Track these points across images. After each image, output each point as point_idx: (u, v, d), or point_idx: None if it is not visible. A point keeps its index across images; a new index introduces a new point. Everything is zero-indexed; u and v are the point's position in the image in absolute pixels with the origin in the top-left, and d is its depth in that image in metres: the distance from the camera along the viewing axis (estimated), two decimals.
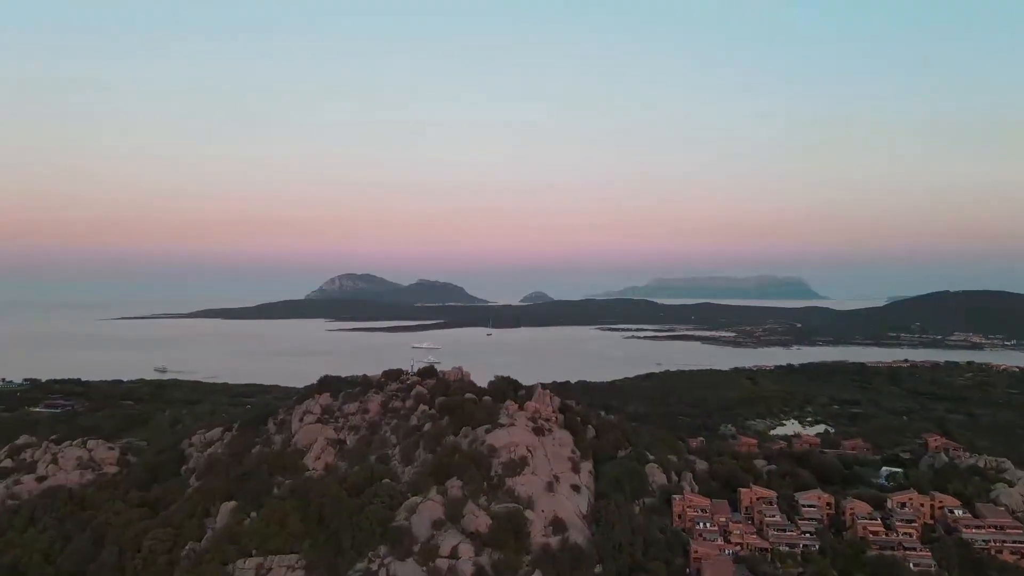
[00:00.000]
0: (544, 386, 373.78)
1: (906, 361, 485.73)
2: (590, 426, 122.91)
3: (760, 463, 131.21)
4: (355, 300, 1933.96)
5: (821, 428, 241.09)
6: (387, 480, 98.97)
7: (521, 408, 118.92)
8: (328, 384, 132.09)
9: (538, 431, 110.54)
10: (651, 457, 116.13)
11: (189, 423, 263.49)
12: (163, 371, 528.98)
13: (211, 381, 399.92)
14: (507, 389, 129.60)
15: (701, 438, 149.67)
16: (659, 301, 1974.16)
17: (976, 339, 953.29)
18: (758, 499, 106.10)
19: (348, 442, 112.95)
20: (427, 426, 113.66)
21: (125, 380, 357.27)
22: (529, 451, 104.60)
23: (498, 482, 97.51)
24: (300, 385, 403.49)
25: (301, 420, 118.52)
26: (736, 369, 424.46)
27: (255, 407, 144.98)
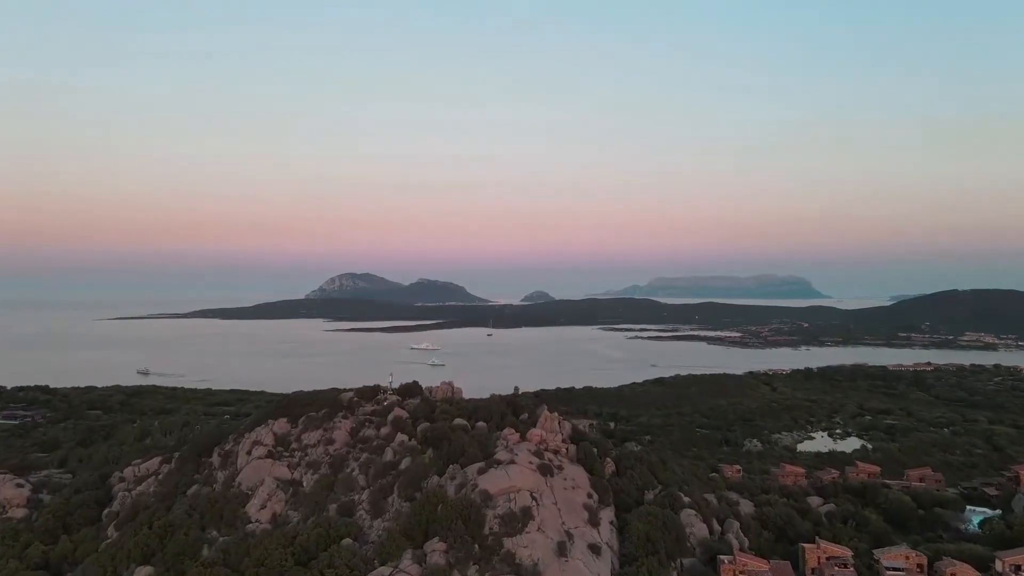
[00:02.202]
0: (549, 395, 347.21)
1: (929, 364, 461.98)
2: (608, 459, 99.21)
3: (814, 500, 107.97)
4: (355, 300, 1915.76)
5: (856, 443, 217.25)
6: (348, 540, 75.61)
7: (523, 438, 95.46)
8: (288, 406, 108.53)
9: (545, 470, 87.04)
10: (686, 500, 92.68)
11: (158, 436, 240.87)
12: (146, 373, 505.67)
13: (192, 387, 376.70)
14: (506, 412, 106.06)
15: (738, 467, 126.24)
16: (661, 300, 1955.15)
17: (989, 339, 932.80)
18: (828, 559, 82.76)
19: (305, 483, 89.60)
20: (405, 463, 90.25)
21: (100, 386, 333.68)
22: (534, 498, 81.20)
23: (494, 543, 74.17)
24: (288, 391, 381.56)
25: (249, 453, 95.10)
26: (751, 373, 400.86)
27: (199, 434, 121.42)
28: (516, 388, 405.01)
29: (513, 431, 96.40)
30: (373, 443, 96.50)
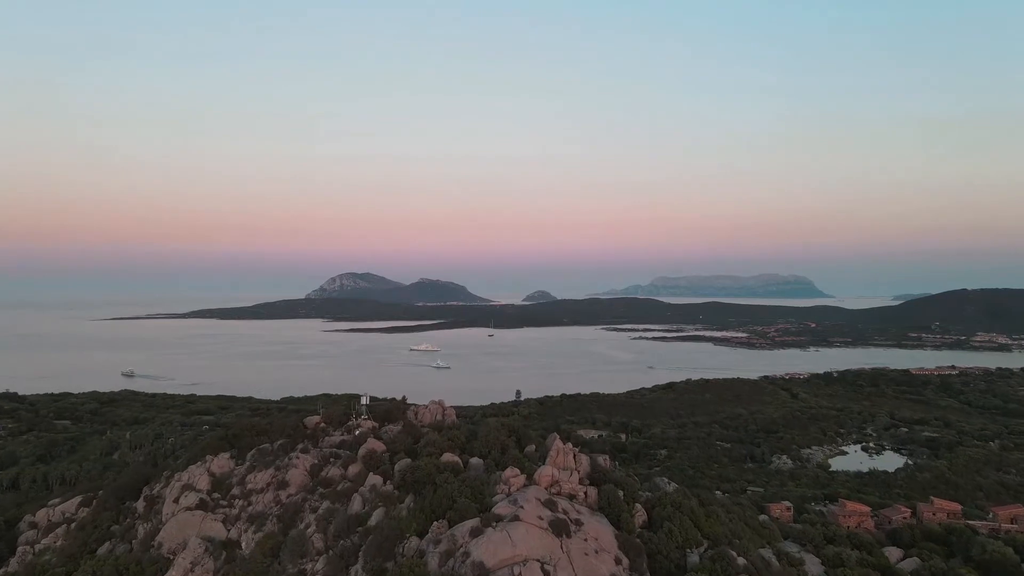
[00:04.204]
0: (553, 402, 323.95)
1: (953, 367, 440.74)
2: (638, 504, 77.86)
3: (892, 553, 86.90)
4: (355, 299, 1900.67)
5: (897, 460, 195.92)
6: None
7: (530, 479, 74.18)
8: (235, 436, 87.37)
9: (559, 527, 65.64)
10: (741, 562, 71.47)
11: (125, 451, 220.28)
12: (131, 375, 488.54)
13: (176, 391, 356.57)
14: (508, 443, 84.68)
15: (787, 503, 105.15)
16: (665, 300, 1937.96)
17: (1002, 340, 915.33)
18: None
19: (244, 544, 68.71)
20: (376, 516, 69.11)
21: (75, 392, 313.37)
22: (546, 572, 60.03)
23: None
24: (277, 397, 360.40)
25: (177, 501, 74.21)
26: (766, 377, 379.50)
27: (129, 469, 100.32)
28: (518, 392, 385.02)
29: (517, 471, 75.05)
30: (338, 487, 75.25)
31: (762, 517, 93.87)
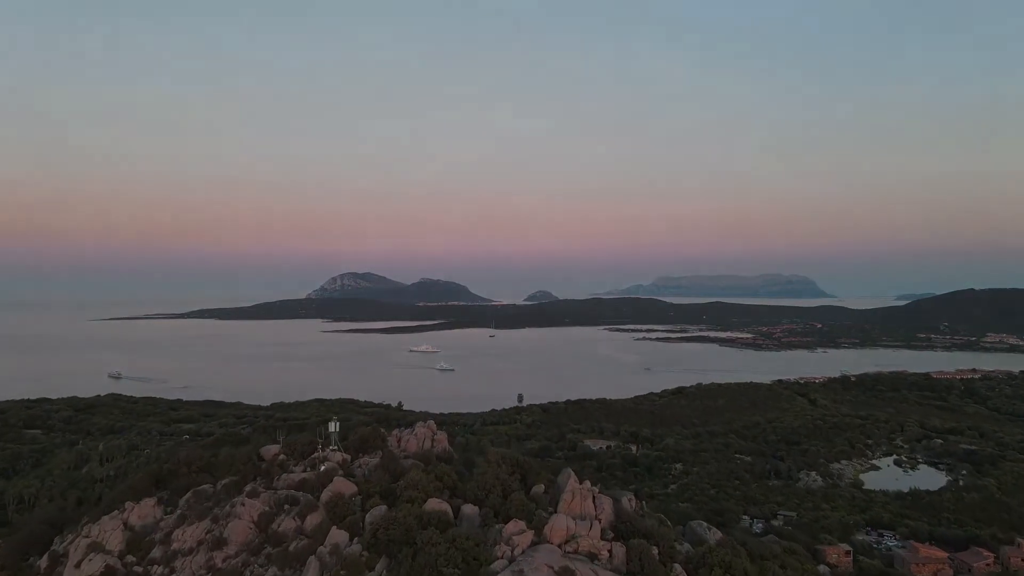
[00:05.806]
0: (558, 409, 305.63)
1: (974, 371, 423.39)
2: (676, 564, 60.92)
3: None
4: (355, 299, 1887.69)
5: (939, 477, 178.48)
6: None
7: (539, 534, 57.38)
8: (168, 474, 70.33)
9: None
10: None
11: (95, 465, 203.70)
12: (118, 377, 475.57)
13: (161, 395, 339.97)
14: (509, 482, 67.54)
15: (845, 546, 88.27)
16: (667, 300, 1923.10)
17: (1012, 340, 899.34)
18: None
19: None
20: None
21: (53, 398, 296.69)
22: None
23: None
24: (267, 402, 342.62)
25: (79, 565, 57.56)
26: (780, 382, 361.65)
27: (34, 515, 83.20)
28: (520, 397, 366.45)
29: (522, 525, 58.02)
30: (290, 546, 58.35)
31: (821, 568, 76.88)
